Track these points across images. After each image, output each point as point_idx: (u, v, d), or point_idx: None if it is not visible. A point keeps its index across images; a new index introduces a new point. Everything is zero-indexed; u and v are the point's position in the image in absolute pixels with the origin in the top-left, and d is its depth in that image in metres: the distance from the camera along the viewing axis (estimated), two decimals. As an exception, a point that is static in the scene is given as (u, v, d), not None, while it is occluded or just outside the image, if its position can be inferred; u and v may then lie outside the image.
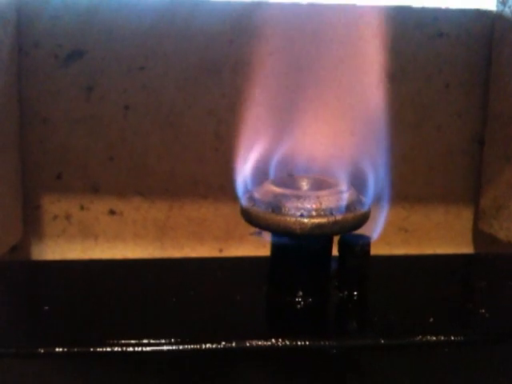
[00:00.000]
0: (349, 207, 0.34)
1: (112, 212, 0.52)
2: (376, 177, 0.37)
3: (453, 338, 0.32)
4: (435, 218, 0.54)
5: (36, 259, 0.52)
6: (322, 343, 0.32)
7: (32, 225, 0.52)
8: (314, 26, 0.49)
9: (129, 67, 0.50)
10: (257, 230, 0.35)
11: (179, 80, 0.50)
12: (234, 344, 0.31)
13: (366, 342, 0.32)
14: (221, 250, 0.53)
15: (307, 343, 0.31)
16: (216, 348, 0.31)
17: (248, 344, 0.31)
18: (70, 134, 0.50)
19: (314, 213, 0.33)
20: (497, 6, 0.51)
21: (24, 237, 0.51)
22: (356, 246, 0.35)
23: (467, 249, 0.54)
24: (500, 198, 0.51)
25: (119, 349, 0.30)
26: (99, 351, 0.30)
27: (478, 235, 0.53)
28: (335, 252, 0.36)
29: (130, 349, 0.30)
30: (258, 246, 0.51)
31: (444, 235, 0.54)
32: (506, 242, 0.50)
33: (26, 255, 0.52)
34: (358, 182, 0.37)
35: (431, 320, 0.33)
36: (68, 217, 0.52)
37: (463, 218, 0.54)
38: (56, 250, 0.52)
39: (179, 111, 0.51)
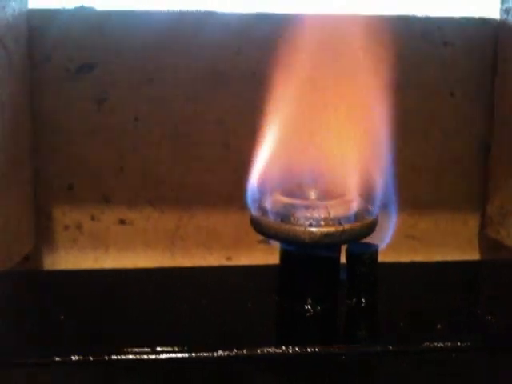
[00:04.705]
0: (357, 216, 0.35)
1: (122, 222, 0.53)
2: (383, 185, 0.38)
3: (460, 344, 0.32)
4: (442, 224, 0.54)
5: (48, 269, 0.53)
6: (332, 350, 0.32)
7: (44, 235, 0.53)
8: (320, 36, 0.49)
9: (138, 79, 0.51)
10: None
11: (188, 91, 0.51)
12: (245, 351, 0.31)
13: (374, 349, 0.32)
14: (229, 259, 0.54)
15: (317, 350, 0.32)
16: (228, 355, 0.31)
17: (259, 351, 0.32)
18: (81, 146, 0.51)
19: (322, 222, 0.34)
20: (500, 14, 0.51)
21: (36, 247, 0.52)
22: (364, 255, 0.35)
23: (474, 255, 0.54)
24: (506, 205, 0.51)
25: (134, 357, 0.31)
26: (114, 359, 0.31)
27: (485, 242, 0.54)
28: (343, 260, 0.36)
29: (145, 357, 0.31)
30: (267, 254, 0.52)
31: (451, 242, 0.54)
32: (513, 249, 0.50)
33: (38, 265, 0.53)
34: (365, 191, 0.37)
35: (439, 326, 0.34)
36: (79, 227, 0.53)
37: (470, 225, 0.54)
38: (67, 259, 0.53)
39: (188, 122, 0.51)
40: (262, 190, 0.37)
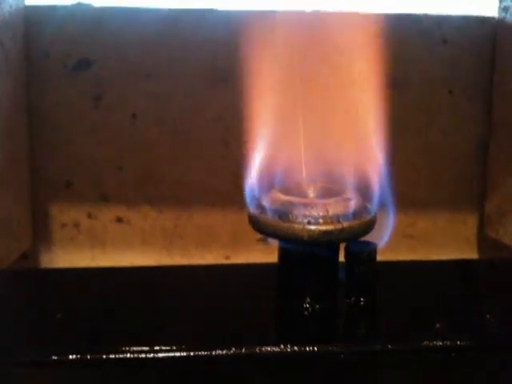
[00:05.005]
0: (355, 214, 0.35)
1: (120, 220, 0.53)
2: (381, 184, 0.38)
3: (459, 343, 0.32)
4: (441, 224, 0.54)
5: (45, 267, 0.53)
6: (330, 349, 0.32)
7: (41, 233, 0.52)
8: (318, 33, 0.49)
9: (136, 76, 0.50)
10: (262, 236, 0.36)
11: (186, 88, 0.51)
12: (244, 350, 0.31)
13: (373, 348, 0.32)
14: (227, 257, 0.54)
15: (315, 349, 0.32)
16: (226, 354, 0.31)
17: (258, 350, 0.31)
18: (78, 143, 0.51)
19: (321, 220, 0.34)
20: (499, 12, 0.51)
21: (33, 244, 0.52)
22: (363, 253, 0.35)
23: (472, 254, 0.54)
24: (505, 204, 0.51)
25: (132, 356, 0.31)
26: (112, 358, 0.31)
27: (484, 241, 0.54)
28: (342, 258, 0.36)
29: (143, 355, 0.31)
30: (265, 253, 0.52)
31: (449, 241, 0.54)
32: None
33: (36, 263, 0.52)
34: (363, 189, 0.37)
35: (437, 325, 0.34)
36: (77, 225, 0.53)
37: (468, 224, 0.54)
38: (65, 257, 0.53)
39: (186, 119, 0.51)
40: (261, 188, 0.37)
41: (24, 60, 0.49)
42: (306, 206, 0.34)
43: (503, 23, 0.51)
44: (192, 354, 0.31)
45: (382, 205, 0.37)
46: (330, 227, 0.34)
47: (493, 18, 0.52)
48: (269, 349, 0.32)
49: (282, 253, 0.36)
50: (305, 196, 0.36)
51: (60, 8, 0.49)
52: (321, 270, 0.35)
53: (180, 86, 0.51)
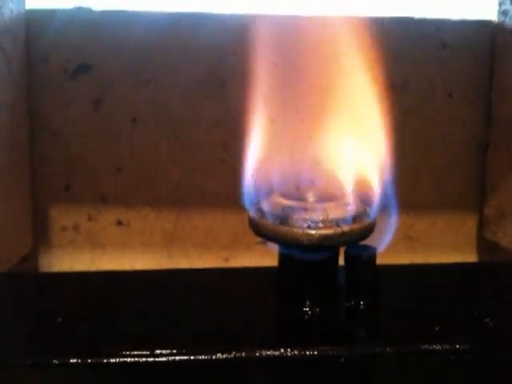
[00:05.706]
0: (355, 218, 0.35)
1: (120, 223, 0.53)
2: (382, 187, 0.38)
3: (458, 347, 0.33)
4: (440, 225, 0.54)
5: (45, 270, 0.53)
6: (331, 352, 0.32)
7: (41, 236, 0.53)
8: (316, 37, 0.49)
9: (136, 80, 0.51)
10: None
11: (186, 92, 0.51)
12: (243, 354, 0.31)
13: (373, 351, 0.32)
14: (227, 259, 0.54)
15: (315, 353, 0.32)
16: (227, 358, 0.31)
17: (257, 354, 0.32)
18: (78, 146, 0.51)
19: (321, 224, 0.34)
20: (498, 16, 0.52)
21: (33, 247, 0.52)
22: (362, 257, 0.35)
23: (472, 256, 0.54)
24: (504, 206, 0.51)
25: (132, 359, 0.31)
26: (113, 362, 0.31)
27: (483, 243, 0.54)
28: (342, 262, 0.36)
29: (143, 359, 0.31)
30: (265, 256, 0.52)
31: (449, 243, 0.54)
32: (510, 250, 0.50)
33: (36, 265, 0.53)
34: (363, 193, 0.37)
35: (437, 329, 0.34)
36: (76, 228, 0.53)
37: (468, 226, 0.54)
38: (65, 260, 0.53)
39: (186, 123, 0.51)
40: (260, 192, 0.37)
41: (25, 64, 0.49)
42: (305, 210, 0.34)
43: (502, 27, 0.51)
44: (192, 357, 0.31)
45: (384, 208, 0.37)
46: (329, 231, 0.34)
47: (492, 22, 0.52)
48: (269, 352, 0.32)
49: (282, 257, 0.36)
50: (304, 200, 0.36)
51: (60, 13, 0.49)
52: (321, 273, 0.36)
53: (179, 89, 0.51)
